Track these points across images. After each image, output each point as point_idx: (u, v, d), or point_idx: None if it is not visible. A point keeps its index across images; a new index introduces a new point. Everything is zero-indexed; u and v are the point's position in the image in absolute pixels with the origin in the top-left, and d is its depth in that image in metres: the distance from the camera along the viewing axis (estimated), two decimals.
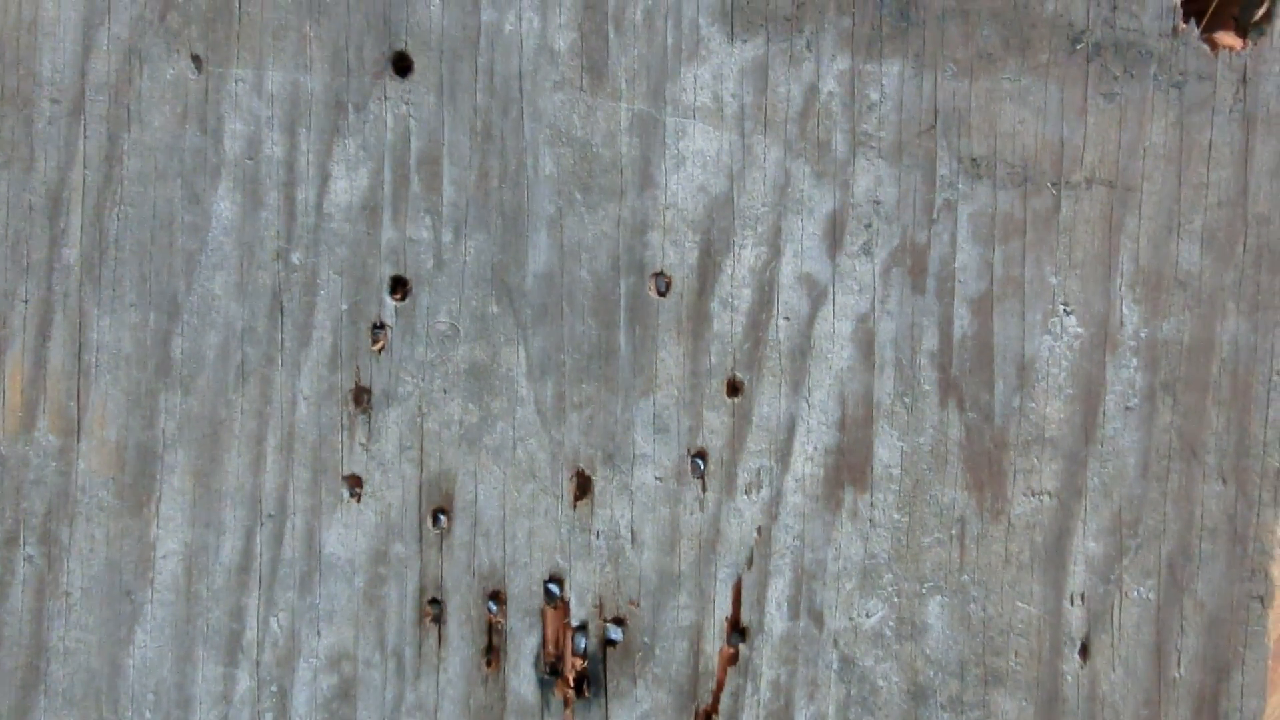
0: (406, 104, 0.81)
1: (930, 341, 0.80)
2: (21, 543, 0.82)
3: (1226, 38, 0.80)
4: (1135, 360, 0.80)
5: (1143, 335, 0.80)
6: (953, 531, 0.81)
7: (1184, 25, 0.79)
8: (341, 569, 0.82)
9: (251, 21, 0.81)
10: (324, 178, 0.81)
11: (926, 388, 0.81)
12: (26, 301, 0.82)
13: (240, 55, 0.81)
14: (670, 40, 0.80)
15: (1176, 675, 0.80)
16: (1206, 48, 0.79)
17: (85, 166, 0.81)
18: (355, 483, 0.82)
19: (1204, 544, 0.80)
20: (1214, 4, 0.80)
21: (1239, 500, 0.80)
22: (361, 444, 0.82)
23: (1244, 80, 0.79)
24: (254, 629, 0.82)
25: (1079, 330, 0.80)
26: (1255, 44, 0.79)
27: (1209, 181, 0.80)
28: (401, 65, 0.81)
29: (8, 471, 0.82)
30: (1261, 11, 0.80)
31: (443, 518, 0.82)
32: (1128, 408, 0.80)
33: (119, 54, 0.81)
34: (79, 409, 0.82)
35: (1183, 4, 0.80)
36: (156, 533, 0.82)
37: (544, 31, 0.80)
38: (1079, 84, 0.80)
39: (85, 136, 0.81)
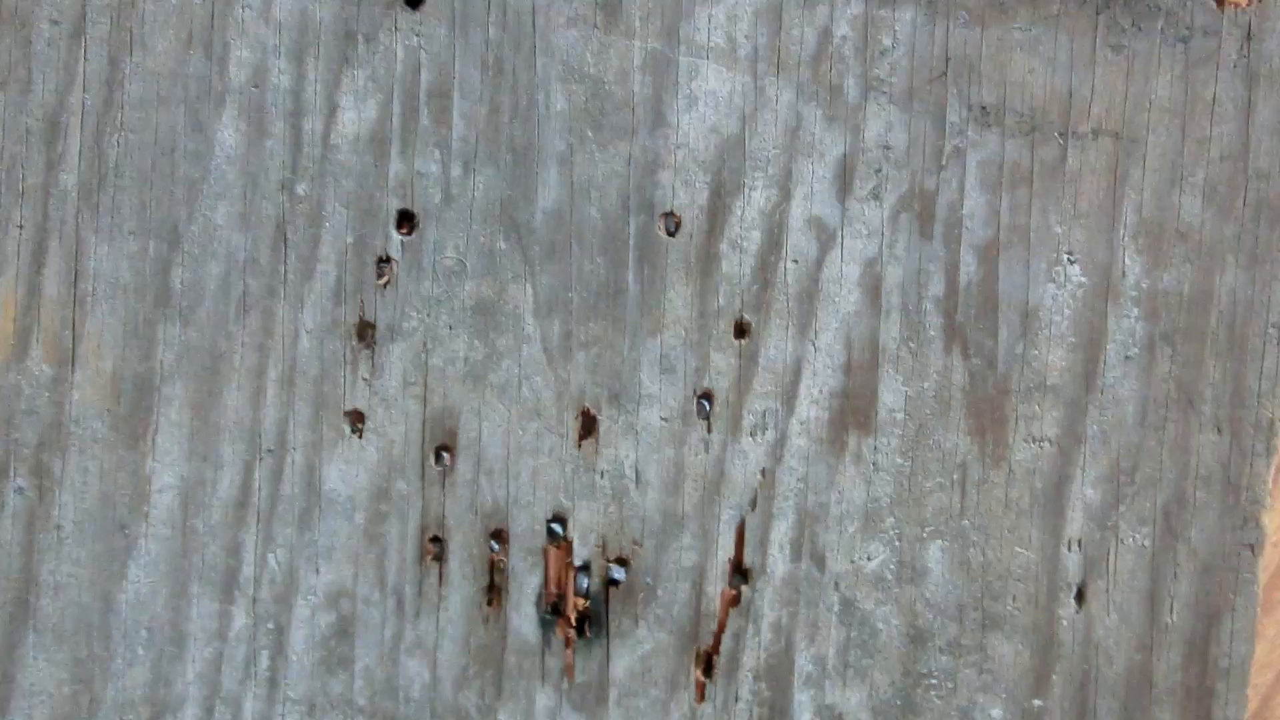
0: (417, 35, 0.80)
1: (936, 287, 0.81)
2: (12, 474, 0.80)
3: None
4: (1136, 310, 0.81)
5: (1144, 286, 0.81)
6: (954, 476, 0.81)
7: None
8: (341, 505, 0.81)
9: None
10: (331, 108, 0.80)
11: (932, 333, 0.81)
12: (21, 227, 0.80)
13: None
14: None
15: (1169, 621, 0.82)
16: (1213, 3, 0.80)
17: (85, 90, 0.80)
18: (357, 418, 0.81)
19: (1198, 492, 0.81)
20: None
21: (1233, 450, 0.81)
22: (364, 379, 0.81)
23: (1248, 37, 0.80)
24: (251, 565, 0.81)
25: (1082, 279, 0.81)
26: (1260, 1, 0.81)
27: (1212, 135, 0.81)
28: None
29: None
30: None
31: (445, 455, 0.81)
32: (1128, 357, 0.81)
33: None
34: (74, 338, 0.80)
35: None
36: (152, 466, 0.81)
37: None
38: (1088, 35, 0.80)
39: (85, 59, 0.79)
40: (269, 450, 0.81)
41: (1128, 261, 0.81)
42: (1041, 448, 0.81)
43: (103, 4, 0.79)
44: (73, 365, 0.80)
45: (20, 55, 0.79)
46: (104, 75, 0.79)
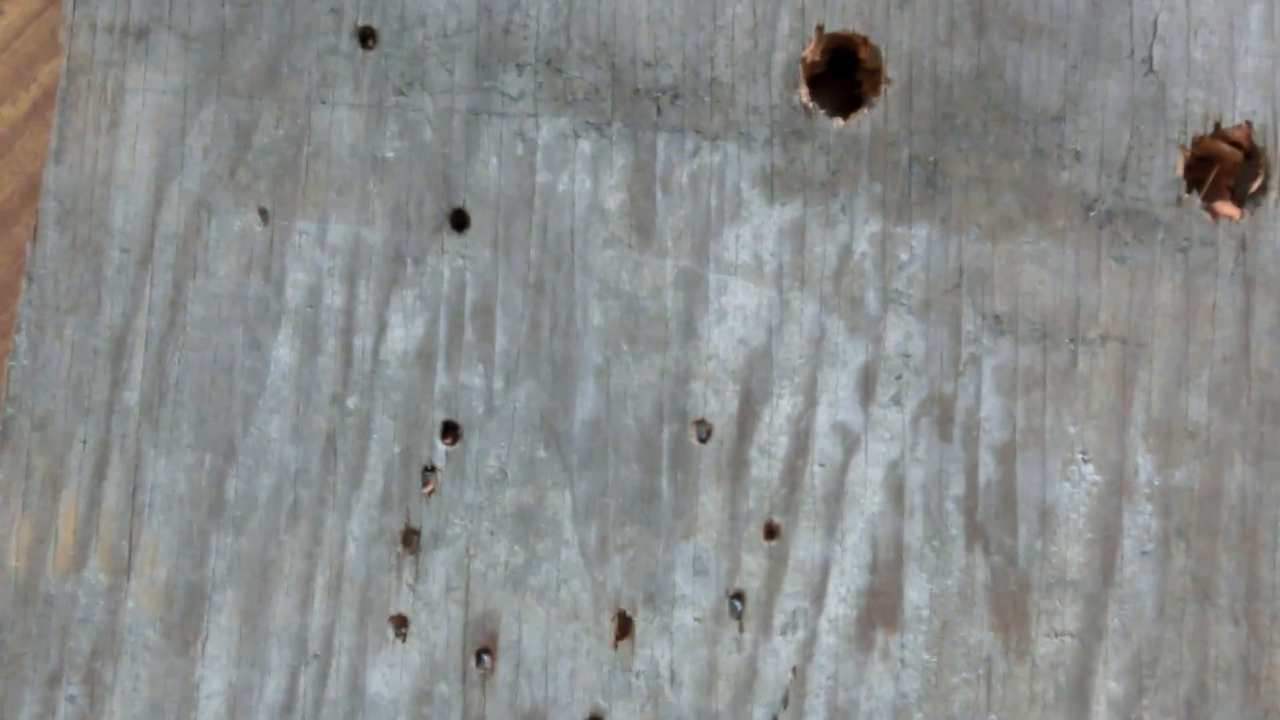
0: (463, 258, 0.85)
1: (957, 488, 0.84)
2: (64, 682, 0.83)
3: (1225, 207, 0.87)
4: (1149, 506, 0.84)
5: (1156, 483, 0.84)
6: (980, 671, 0.84)
7: (1187, 195, 0.85)
8: (385, 709, 0.83)
9: (317, 178, 0.85)
10: (381, 326, 0.85)
11: (954, 532, 0.84)
12: (85, 442, 0.84)
13: (305, 209, 0.85)
14: (714, 202, 0.85)
15: None
16: (1208, 216, 0.86)
17: (150, 313, 0.84)
18: (401, 623, 0.84)
19: (1219, 684, 0.84)
20: (1213, 175, 0.87)
21: (1251, 641, 0.84)
22: (409, 584, 0.84)
23: (1243, 246, 0.85)
24: None
25: (1096, 478, 0.85)
26: (1252, 214, 0.86)
27: (1214, 339, 0.85)
28: (459, 221, 0.85)
29: (55, 610, 0.83)
30: (1257, 184, 0.86)
31: (486, 657, 0.84)
32: (1144, 552, 0.84)
33: (189, 206, 0.85)
34: (130, 548, 0.83)
35: (1186, 175, 0.86)
36: (201, 672, 0.83)
37: (595, 192, 0.85)
38: (1093, 248, 0.86)
39: (152, 284, 0.84)
40: (315, 655, 0.83)
41: (1140, 460, 0.85)
42: (1064, 641, 0.84)
43: (170, 233, 0.85)
44: (128, 574, 0.83)
45: (90, 281, 0.84)
46: (169, 298, 0.84)
